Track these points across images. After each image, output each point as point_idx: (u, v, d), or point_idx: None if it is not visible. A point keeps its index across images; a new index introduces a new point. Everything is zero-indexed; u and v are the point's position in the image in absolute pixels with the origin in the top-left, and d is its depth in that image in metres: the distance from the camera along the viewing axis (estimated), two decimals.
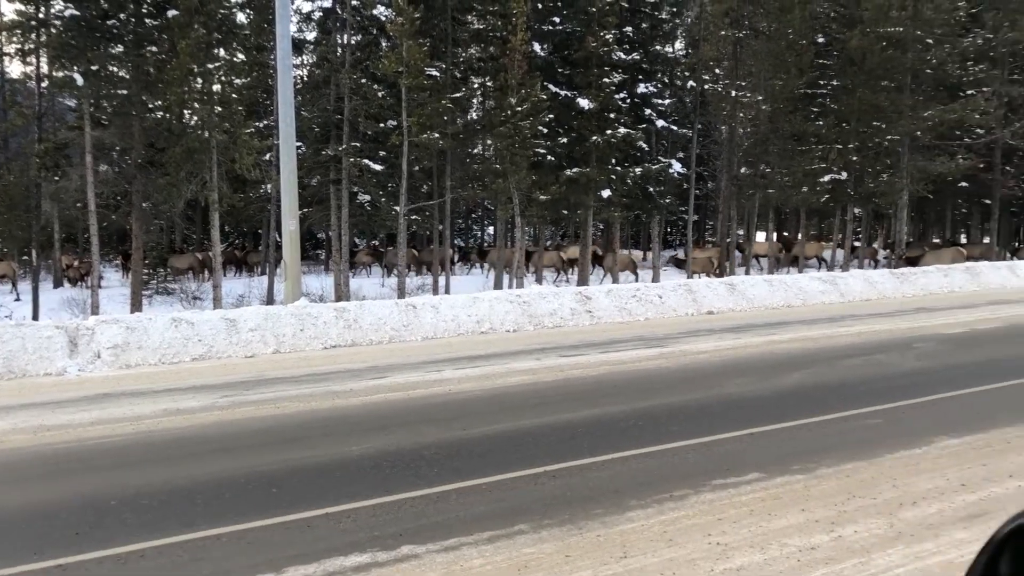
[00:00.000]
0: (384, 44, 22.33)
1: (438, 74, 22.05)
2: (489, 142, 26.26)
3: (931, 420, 7.24)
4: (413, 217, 22.88)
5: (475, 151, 28.79)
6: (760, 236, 40.23)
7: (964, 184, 33.18)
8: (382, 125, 21.63)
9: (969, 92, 29.27)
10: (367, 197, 23.48)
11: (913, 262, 27.53)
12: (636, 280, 28.11)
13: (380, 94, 21.43)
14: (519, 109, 20.35)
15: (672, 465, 6.11)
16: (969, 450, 6.31)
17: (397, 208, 21.13)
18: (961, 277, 20.26)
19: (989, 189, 33.03)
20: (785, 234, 43.38)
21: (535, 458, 6.27)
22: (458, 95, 22.96)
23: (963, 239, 48.17)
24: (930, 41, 27.40)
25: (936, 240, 44.11)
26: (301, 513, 5.24)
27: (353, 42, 22.87)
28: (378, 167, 21.79)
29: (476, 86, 27.05)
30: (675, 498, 5.39)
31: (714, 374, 9.58)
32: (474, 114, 28.03)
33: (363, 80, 21.49)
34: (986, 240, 36.66)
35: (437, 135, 20.54)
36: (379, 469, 6.13)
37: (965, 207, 42.57)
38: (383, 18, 22.42)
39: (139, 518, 5.21)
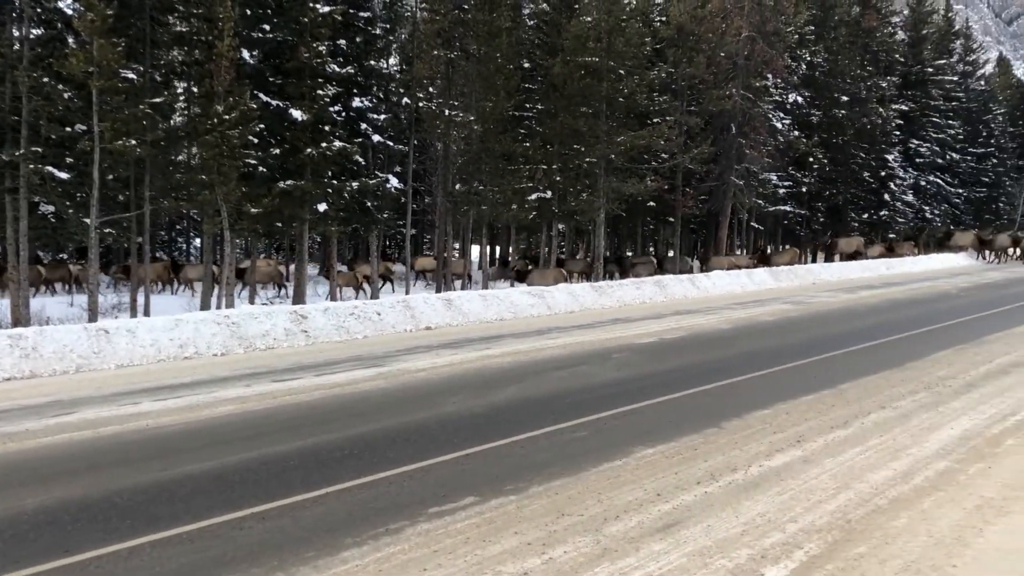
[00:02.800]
0: (72, 41, 20.15)
1: (136, 77, 20.28)
2: (195, 151, 24.68)
3: (630, 430, 7.75)
4: (107, 230, 20.82)
5: (179, 159, 26.93)
6: (475, 250, 41.57)
7: (652, 203, 36.60)
8: (69, 129, 19.44)
9: (655, 120, 32.37)
10: (51, 208, 21.01)
11: (522, 277, 29.99)
12: (280, 291, 28.16)
13: (67, 95, 19.23)
14: (227, 117, 19.27)
15: (389, 495, 5.98)
16: (663, 459, 6.81)
17: (87, 220, 19.15)
18: (651, 289, 22.20)
19: (672, 208, 36.76)
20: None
21: (243, 498, 5.87)
22: (159, 100, 21.25)
23: (652, 251, 53.11)
24: (622, 72, 29.91)
25: (629, 253, 48.16)
26: None
27: (33, 36, 20.39)
28: (64, 175, 19.49)
29: (180, 91, 25.29)
30: (391, 531, 5.27)
31: (432, 393, 9.61)
32: (178, 120, 26.22)
33: (46, 79, 19.19)
34: (643, 256, 40.57)
35: (135, 142, 18.87)
36: (60, 524, 5.41)
37: (653, 223, 46.99)
38: (70, 12, 20.23)
39: None
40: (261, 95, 21.51)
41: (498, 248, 51.49)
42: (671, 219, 38.89)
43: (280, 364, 11.58)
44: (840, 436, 7.56)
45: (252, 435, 7.71)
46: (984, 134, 60.45)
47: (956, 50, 61.30)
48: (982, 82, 64.08)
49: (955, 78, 57.70)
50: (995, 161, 61.04)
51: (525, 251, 53.14)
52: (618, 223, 42.92)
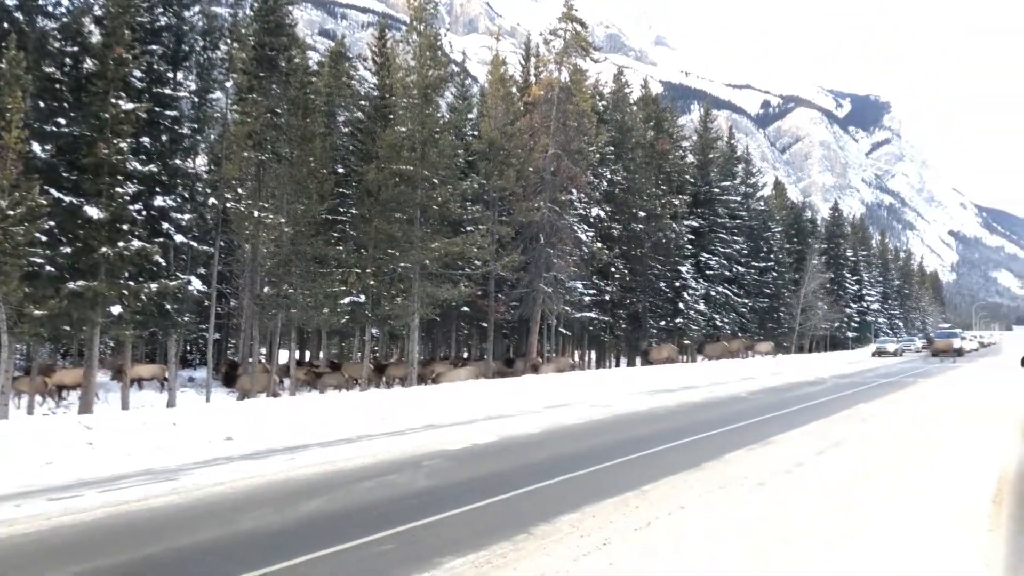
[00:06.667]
0: None
1: None
2: None
3: (439, 541, 7.59)
4: None
5: None
6: (283, 355, 40.27)
7: (466, 308, 37.26)
8: None
9: (469, 228, 33.30)
10: None
11: (231, 382, 29.74)
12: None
13: None
14: (11, 213, 17.97)
15: None
16: (471, 569, 6.69)
17: None
18: (466, 394, 22.28)
19: (485, 313, 37.53)
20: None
21: None
22: None
23: (465, 355, 53.64)
24: (436, 181, 30.71)
25: (443, 357, 48.37)
26: None
27: None
28: None
29: None
30: None
31: (230, 508, 9.04)
32: None
33: None
34: (466, 359, 41.03)
35: None
36: None
37: (467, 328, 47.67)
38: None
39: None
40: (52, 191, 20.26)
41: (308, 353, 50.23)
42: (484, 324, 39.63)
43: (59, 480, 10.54)
44: (643, 537, 7.76)
45: (21, 563, 6.90)
46: (765, 250, 66.54)
47: (739, 173, 67.72)
48: (762, 203, 70.89)
49: (739, 198, 63.53)
50: (775, 274, 67.10)
51: (338, 355, 52.17)
52: (433, 327, 43.19)
